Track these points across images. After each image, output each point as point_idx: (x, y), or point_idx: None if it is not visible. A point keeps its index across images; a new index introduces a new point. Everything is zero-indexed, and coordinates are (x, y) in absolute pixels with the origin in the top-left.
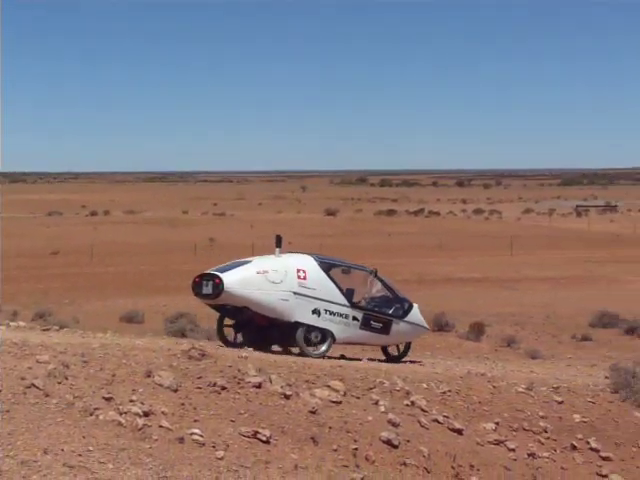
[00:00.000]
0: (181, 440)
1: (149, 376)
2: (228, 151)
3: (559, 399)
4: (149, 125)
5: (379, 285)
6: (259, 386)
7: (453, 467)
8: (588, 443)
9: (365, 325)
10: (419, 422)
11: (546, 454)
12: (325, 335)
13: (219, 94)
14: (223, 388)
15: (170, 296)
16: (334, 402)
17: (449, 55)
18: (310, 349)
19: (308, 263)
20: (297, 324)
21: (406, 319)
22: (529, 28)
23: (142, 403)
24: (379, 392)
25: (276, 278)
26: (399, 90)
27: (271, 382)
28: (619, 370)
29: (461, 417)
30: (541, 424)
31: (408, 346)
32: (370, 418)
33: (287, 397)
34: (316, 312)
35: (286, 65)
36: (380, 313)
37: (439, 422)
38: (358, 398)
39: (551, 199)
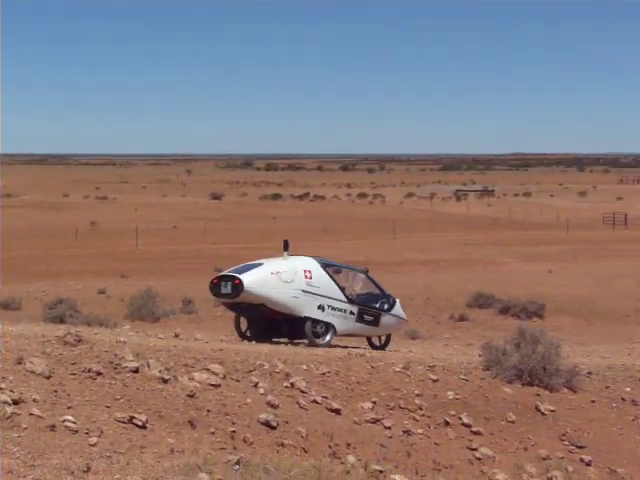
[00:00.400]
0: (52, 427)
1: (20, 363)
2: (111, 133)
3: (434, 377)
4: (27, 106)
5: (370, 283)
6: (136, 371)
7: (330, 446)
8: (460, 419)
9: (360, 318)
10: (298, 403)
11: (420, 431)
12: (328, 327)
13: (102, 77)
14: (99, 374)
15: (51, 281)
16: (213, 385)
17: (328, 38)
18: (317, 340)
19: (312, 264)
20: (306, 318)
21: (391, 312)
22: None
23: (11, 391)
24: (259, 374)
25: (287, 278)
26: (283, 74)
27: (149, 367)
28: (491, 348)
29: (339, 397)
30: (416, 402)
31: (389, 337)
32: (249, 400)
33: (165, 381)
34: (321, 307)
35: (169, 48)
36: (371, 308)
37: (318, 403)
38: (238, 381)
39: (432, 184)
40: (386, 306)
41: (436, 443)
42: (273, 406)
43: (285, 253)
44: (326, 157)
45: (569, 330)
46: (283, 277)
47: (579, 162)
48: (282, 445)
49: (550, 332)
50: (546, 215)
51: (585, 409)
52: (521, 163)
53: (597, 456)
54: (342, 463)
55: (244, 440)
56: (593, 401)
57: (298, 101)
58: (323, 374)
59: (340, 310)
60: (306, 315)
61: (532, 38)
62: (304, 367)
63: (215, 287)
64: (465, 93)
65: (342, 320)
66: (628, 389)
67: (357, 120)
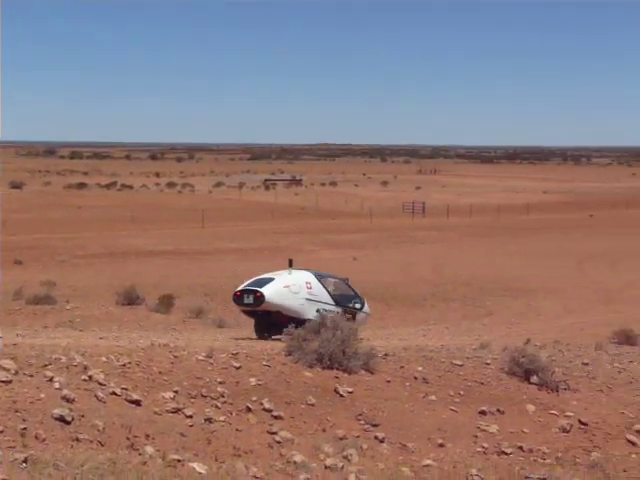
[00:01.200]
0: None
1: None
2: None
3: (237, 365)
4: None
5: (348, 288)
6: None
7: (128, 438)
8: (262, 404)
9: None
10: (96, 396)
11: (222, 418)
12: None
13: None
14: None
15: None
16: (3, 382)
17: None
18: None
19: (311, 278)
20: (308, 320)
21: (363, 310)
22: None
23: None
24: (55, 368)
25: (296, 290)
26: (86, 55)
27: None
28: (293, 334)
29: (140, 388)
30: (219, 389)
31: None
32: (43, 395)
33: None
34: (318, 311)
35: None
36: (350, 307)
37: (117, 394)
38: (31, 376)
39: (241, 173)
40: (359, 305)
41: (237, 429)
42: (68, 400)
43: (290, 269)
44: (134, 146)
45: (372, 314)
46: (292, 289)
47: (382, 153)
48: (77, 440)
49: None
50: (351, 204)
51: (381, 389)
52: (328, 153)
53: (390, 433)
54: (140, 454)
55: (36, 437)
56: (388, 381)
57: (103, 85)
58: (124, 365)
59: (330, 312)
60: (308, 317)
61: (335, 26)
62: (104, 359)
63: (238, 298)
64: (274, 82)
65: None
66: (420, 368)
67: (164, 108)
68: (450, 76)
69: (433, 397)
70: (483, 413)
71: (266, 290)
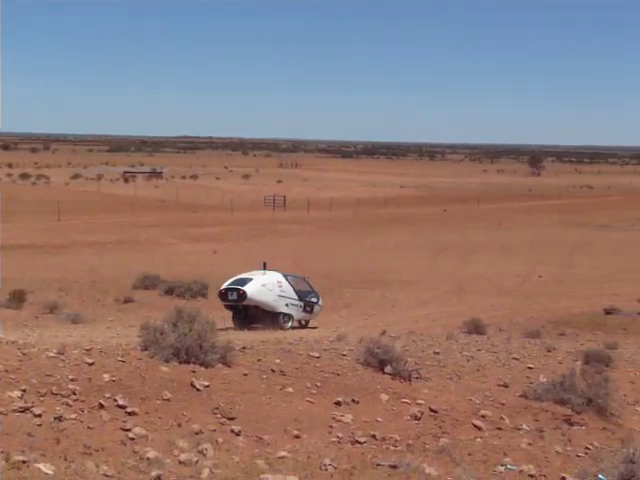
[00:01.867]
0: None
1: None
2: None
3: (90, 361)
4: None
5: (307, 284)
6: None
7: None
8: (116, 401)
9: (304, 309)
10: None
11: (73, 416)
12: (290, 317)
13: None
14: None
15: None
16: None
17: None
18: (285, 325)
19: (280, 277)
20: (280, 313)
21: (318, 303)
22: None
23: None
24: None
25: (270, 288)
26: None
27: None
28: (149, 328)
29: None
30: (70, 387)
31: (308, 321)
32: None
33: None
34: (287, 305)
35: None
36: (309, 301)
37: None
38: None
39: (100, 165)
40: (315, 299)
41: (89, 427)
42: None
43: (264, 270)
44: None
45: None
46: (268, 287)
47: (243, 146)
48: None
49: (213, 311)
50: (212, 197)
51: (238, 382)
52: (189, 146)
53: (247, 426)
54: None
55: None
56: (246, 374)
57: None
58: None
59: (295, 305)
60: (280, 311)
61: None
62: None
63: (223, 295)
64: (131, 72)
65: (297, 311)
66: (278, 360)
67: (16, 95)
68: (309, 70)
69: (290, 389)
70: (338, 404)
71: (248, 288)
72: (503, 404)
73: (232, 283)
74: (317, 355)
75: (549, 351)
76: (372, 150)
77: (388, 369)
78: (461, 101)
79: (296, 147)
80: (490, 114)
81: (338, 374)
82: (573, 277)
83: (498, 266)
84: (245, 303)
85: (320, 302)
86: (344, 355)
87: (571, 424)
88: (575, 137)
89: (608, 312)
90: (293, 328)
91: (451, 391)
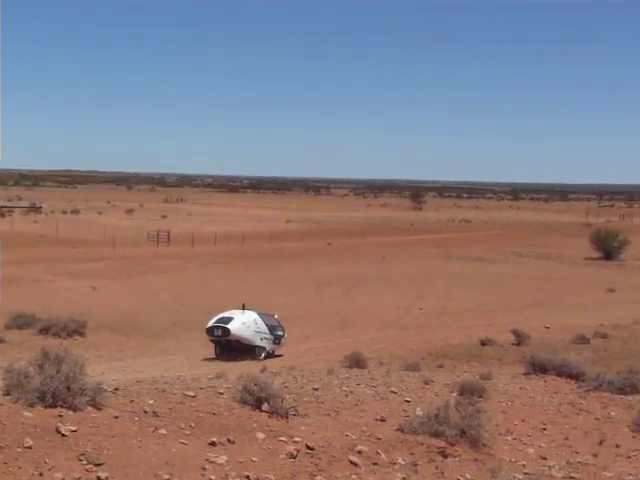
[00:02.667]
0: None
1: None
2: None
3: None
4: None
5: (275, 320)
6: None
7: None
8: None
9: (273, 342)
10: None
11: None
12: (264, 349)
13: None
14: None
15: None
16: None
17: None
18: (260, 356)
19: (256, 316)
20: (255, 346)
21: (284, 336)
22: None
23: None
24: None
25: (250, 325)
26: None
27: None
28: (12, 371)
29: None
30: None
31: (274, 351)
32: None
33: None
34: (262, 339)
35: None
36: (277, 335)
37: None
38: None
39: None
40: (281, 333)
41: None
42: None
43: (242, 310)
44: None
45: (110, 346)
46: (247, 324)
47: (127, 180)
48: None
49: (91, 350)
50: (94, 232)
51: (108, 426)
52: (70, 180)
53: (114, 471)
54: None
55: None
56: (116, 417)
57: None
58: None
59: (267, 339)
60: (256, 344)
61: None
62: None
63: (209, 331)
64: (12, 103)
65: (269, 344)
66: (151, 401)
67: None
68: (194, 104)
69: (163, 431)
70: (213, 444)
71: (231, 326)
72: (380, 439)
73: (217, 321)
74: (193, 394)
75: (427, 383)
76: (258, 185)
77: (265, 407)
78: (346, 136)
79: (182, 182)
80: (374, 149)
81: (214, 413)
82: (452, 309)
83: (381, 299)
84: (228, 338)
85: (285, 335)
86: (221, 393)
87: (445, 456)
88: (455, 173)
89: (484, 343)
90: (265, 358)
91: (328, 427)
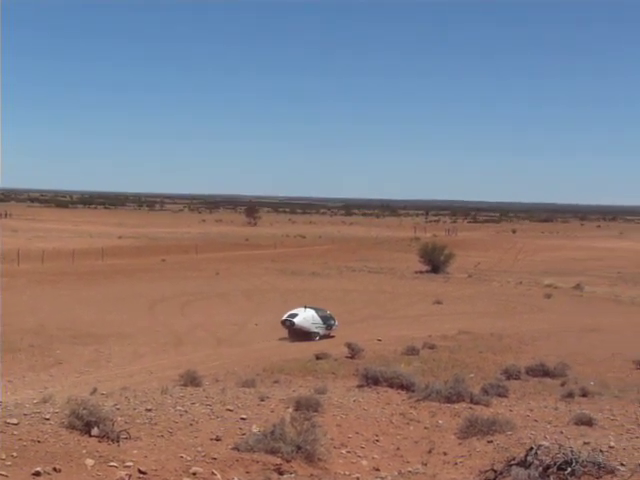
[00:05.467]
0: None
1: None
2: None
3: None
4: None
5: (327, 313)
6: None
7: None
8: None
9: (326, 329)
10: None
11: None
12: (318, 333)
13: None
14: None
15: None
16: None
17: None
18: (316, 338)
19: (313, 312)
20: (311, 332)
21: (335, 324)
22: None
23: None
24: None
25: (307, 319)
26: None
27: None
28: None
29: None
30: None
31: (330, 334)
32: None
33: None
34: (316, 327)
35: None
36: (329, 324)
37: None
38: None
39: None
40: (332, 322)
41: None
42: None
43: (304, 307)
44: None
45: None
46: (307, 318)
47: None
48: None
49: None
50: None
51: None
52: None
53: None
54: None
55: None
56: None
57: None
58: None
59: (321, 327)
60: (312, 331)
61: None
62: None
63: (283, 322)
64: None
65: (322, 330)
66: None
67: None
68: (16, 115)
69: None
70: (37, 474)
71: (295, 320)
72: (215, 458)
73: (287, 316)
74: (15, 422)
75: (263, 400)
76: (89, 200)
77: (95, 431)
78: (181, 150)
79: (6, 196)
80: (209, 165)
81: (39, 441)
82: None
83: (216, 315)
84: (294, 327)
85: (336, 323)
86: (47, 419)
87: (281, 473)
88: (289, 189)
89: (319, 357)
90: (320, 339)
91: (162, 449)
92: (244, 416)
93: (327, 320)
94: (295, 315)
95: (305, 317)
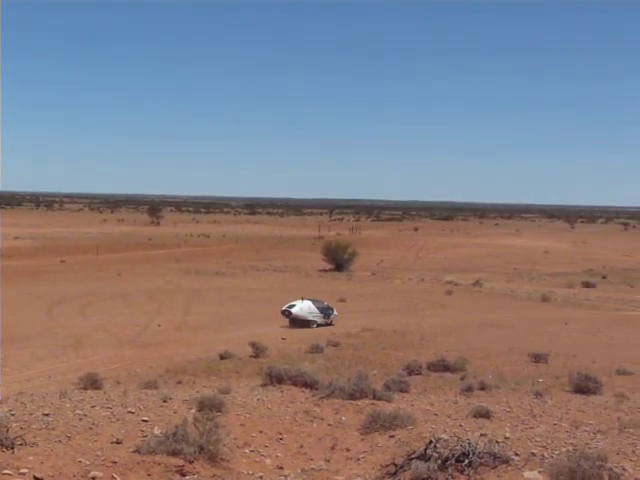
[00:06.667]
0: None
1: None
2: None
3: None
4: None
5: (325, 304)
6: None
7: None
8: None
9: (323, 317)
10: None
11: None
12: (316, 322)
13: None
14: None
15: None
16: None
17: None
18: (313, 326)
19: (310, 303)
20: (309, 320)
21: (334, 314)
22: None
23: None
24: None
25: (306, 309)
26: None
27: None
28: None
29: None
30: None
31: (330, 322)
32: None
33: None
34: (313, 317)
35: None
36: (327, 313)
37: None
38: None
39: None
40: (330, 311)
41: None
42: None
43: (301, 299)
44: None
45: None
46: (304, 309)
47: None
48: None
49: None
50: None
51: None
52: None
53: None
54: None
55: None
56: None
57: None
58: None
59: (318, 316)
60: (309, 319)
61: None
62: None
63: (283, 312)
64: None
65: (320, 319)
66: None
67: None
68: None
69: None
70: None
71: (293, 310)
72: (115, 462)
73: (286, 307)
74: None
75: (165, 401)
76: None
77: None
78: (80, 150)
79: None
80: (110, 164)
81: None
82: (191, 324)
83: (117, 316)
84: (292, 317)
85: (334, 312)
86: None
87: (183, 474)
88: (193, 188)
89: (223, 357)
90: (317, 327)
91: (59, 455)
92: (146, 418)
93: (325, 310)
94: (293, 306)
95: (302, 307)
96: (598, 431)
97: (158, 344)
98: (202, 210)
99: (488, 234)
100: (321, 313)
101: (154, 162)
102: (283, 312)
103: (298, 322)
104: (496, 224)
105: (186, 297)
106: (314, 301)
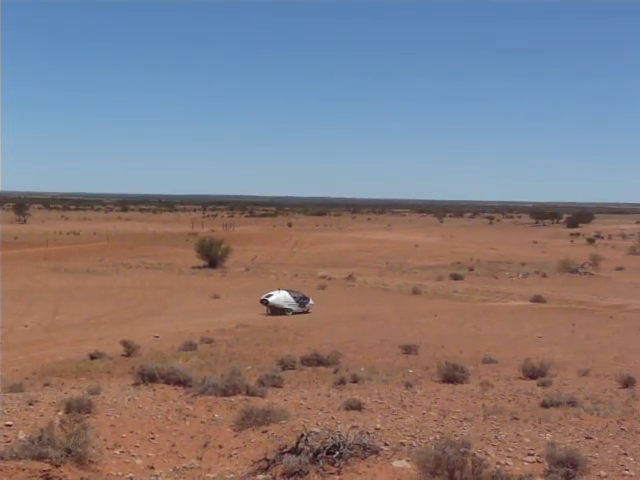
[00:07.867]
0: None
1: None
2: None
3: None
4: None
5: (301, 294)
6: None
7: None
8: None
9: (299, 306)
10: None
11: None
12: (292, 310)
13: None
14: None
15: None
16: None
17: None
18: (289, 313)
19: (286, 293)
20: (284, 308)
21: (309, 303)
22: None
23: None
24: None
25: (282, 298)
26: None
27: None
28: None
29: None
30: None
31: (306, 310)
32: None
33: None
34: (289, 305)
35: None
36: (302, 302)
37: None
38: None
39: None
40: (305, 301)
41: None
42: None
43: (278, 289)
44: None
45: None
46: (280, 298)
47: None
48: None
49: None
50: None
51: None
52: None
53: None
54: None
55: None
56: None
57: None
58: None
59: (294, 305)
60: (285, 307)
61: None
62: None
63: (261, 301)
64: None
65: (295, 307)
66: None
67: None
68: None
69: None
70: None
71: (270, 299)
72: None
73: (264, 296)
74: None
75: (31, 404)
76: None
77: None
78: None
79: None
80: None
81: None
82: (60, 324)
83: None
84: (269, 305)
85: (311, 302)
86: None
87: (49, 479)
88: (61, 184)
89: (93, 357)
90: (293, 314)
91: None
92: (10, 423)
93: (300, 300)
94: (270, 295)
95: (278, 297)
96: (464, 419)
97: (25, 345)
98: (72, 207)
99: (361, 229)
100: (297, 302)
101: (19, 157)
102: (261, 301)
103: (275, 310)
104: (368, 219)
105: (55, 296)
106: (290, 291)
